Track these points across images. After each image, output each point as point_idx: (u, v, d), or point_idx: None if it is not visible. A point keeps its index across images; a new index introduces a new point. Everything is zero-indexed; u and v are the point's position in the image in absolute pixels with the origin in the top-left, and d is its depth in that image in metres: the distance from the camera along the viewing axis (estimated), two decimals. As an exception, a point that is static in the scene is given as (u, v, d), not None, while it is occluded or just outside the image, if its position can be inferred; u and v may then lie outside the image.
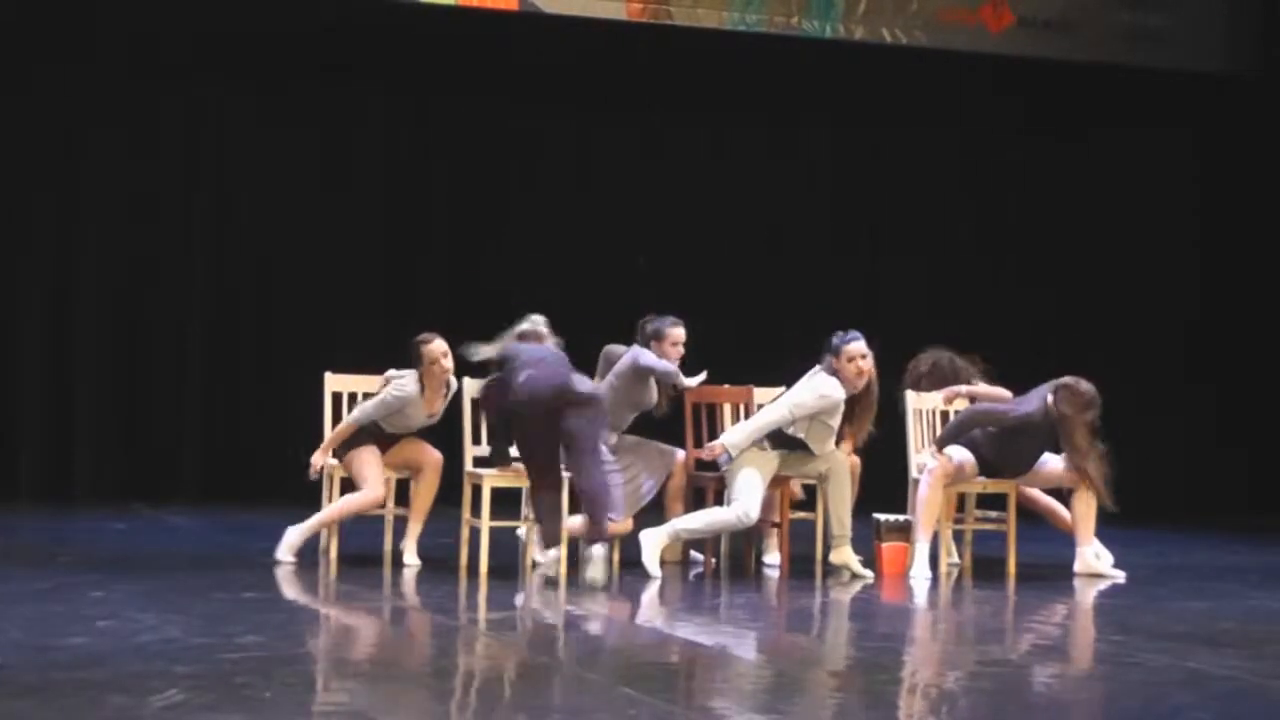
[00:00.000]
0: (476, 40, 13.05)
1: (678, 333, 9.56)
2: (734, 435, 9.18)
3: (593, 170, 13.71)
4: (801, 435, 9.13)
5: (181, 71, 12.69)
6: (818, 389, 9.08)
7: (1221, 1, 14.24)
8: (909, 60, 13.62)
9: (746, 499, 9.05)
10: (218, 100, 12.91)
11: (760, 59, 13.46)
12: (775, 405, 9.16)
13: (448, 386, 9.23)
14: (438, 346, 9.08)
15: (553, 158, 13.68)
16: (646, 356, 9.43)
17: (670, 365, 9.47)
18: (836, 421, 9.17)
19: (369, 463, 9.09)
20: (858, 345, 9.11)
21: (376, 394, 9.18)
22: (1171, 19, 14.04)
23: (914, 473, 9.61)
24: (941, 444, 9.51)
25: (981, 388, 9.82)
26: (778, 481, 9.31)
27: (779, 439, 9.14)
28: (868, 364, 9.10)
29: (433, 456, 9.29)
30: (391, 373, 9.29)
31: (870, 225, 14.34)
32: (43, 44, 12.49)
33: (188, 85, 12.76)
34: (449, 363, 9.11)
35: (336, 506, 9.16)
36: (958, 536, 9.81)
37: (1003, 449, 9.47)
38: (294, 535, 9.06)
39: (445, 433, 9.37)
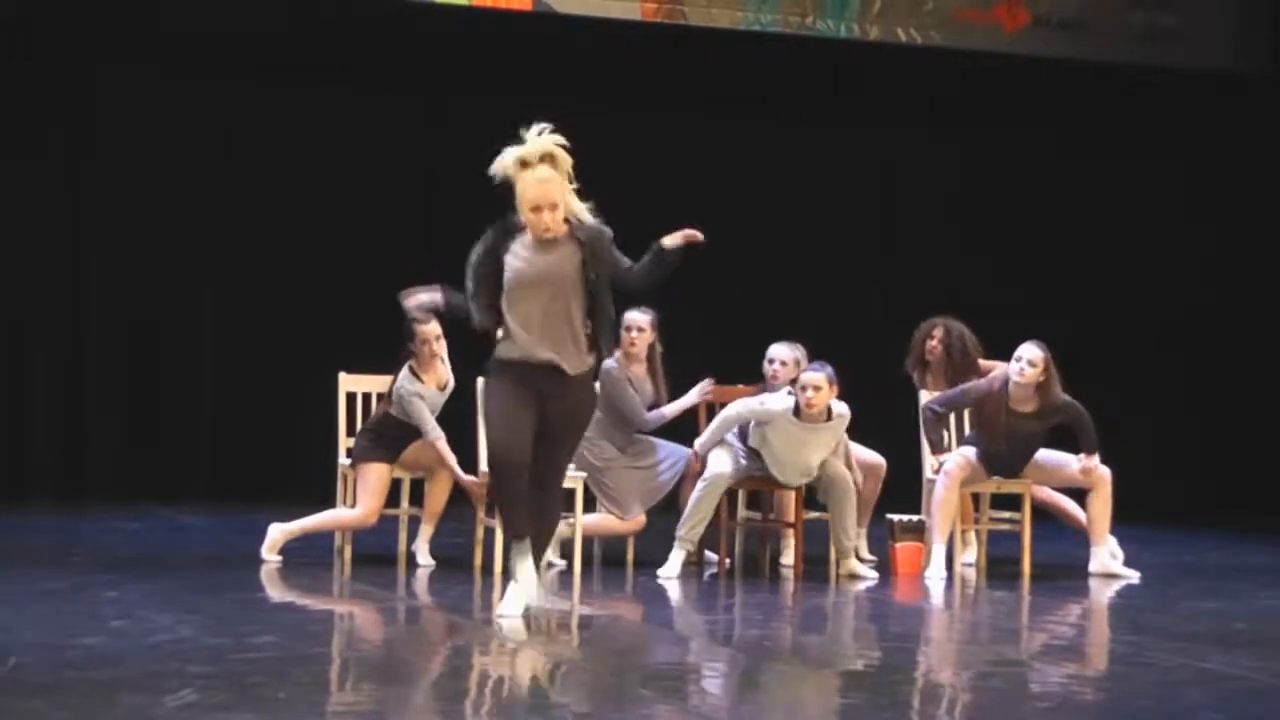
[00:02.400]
0: (490, 40, 13.04)
1: (629, 318, 9.28)
2: (702, 437, 9.30)
3: (606, 170, 13.64)
4: (756, 445, 9.13)
5: (203, 69, 12.69)
6: (766, 398, 9.10)
7: (1235, 1, 14.21)
8: (924, 59, 13.59)
9: (711, 466, 9.10)
10: (233, 96, 12.91)
11: (774, 59, 13.43)
12: (735, 403, 9.21)
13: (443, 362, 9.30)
14: (431, 329, 9.12)
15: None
16: (615, 383, 9.27)
17: (636, 409, 9.32)
18: (790, 448, 9.04)
19: (373, 485, 9.09)
20: (807, 375, 9.00)
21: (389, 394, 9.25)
22: (1186, 19, 14.01)
23: (928, 473, 9.60)
24: (933, 446, 9.48)
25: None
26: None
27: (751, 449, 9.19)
28: (817, 397, 8.90)
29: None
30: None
31: (885, 225, 14.31)
32: (44, 44, 12.49)
33: (207, 81, 12.75)
34: (440, 346, 9.18)
35: (325, 518, 9.22)
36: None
37: (991, 446, 9.44)
38: (276, 534, 9.11)
39: (458, 435, 9.38)
